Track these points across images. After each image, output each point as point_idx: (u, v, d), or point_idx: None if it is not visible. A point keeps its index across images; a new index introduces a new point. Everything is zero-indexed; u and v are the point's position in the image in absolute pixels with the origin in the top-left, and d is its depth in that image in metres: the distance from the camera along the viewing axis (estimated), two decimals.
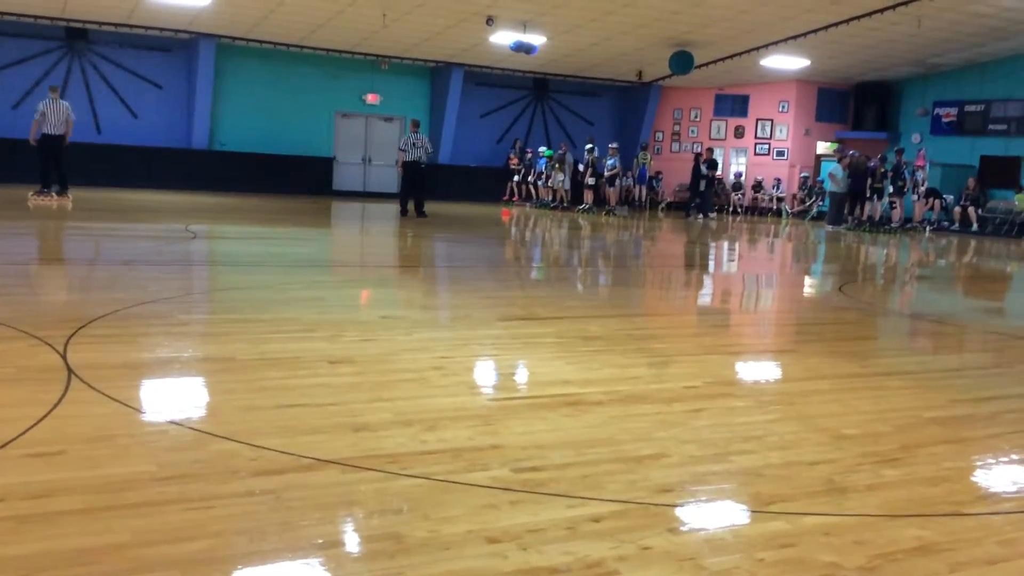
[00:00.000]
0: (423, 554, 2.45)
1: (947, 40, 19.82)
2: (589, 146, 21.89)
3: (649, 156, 24.38)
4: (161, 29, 20.47)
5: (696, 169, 22.33)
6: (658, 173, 25.60)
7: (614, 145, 22.14)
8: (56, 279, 7.76)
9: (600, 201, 22.09)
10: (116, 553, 2.37)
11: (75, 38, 20.61)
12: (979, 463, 3.65)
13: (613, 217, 20.34)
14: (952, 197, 22.13)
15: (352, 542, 2.57)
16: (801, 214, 24.10)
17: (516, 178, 23.96)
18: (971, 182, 21.58)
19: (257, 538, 2.50)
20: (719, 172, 23.89)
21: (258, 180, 21.88)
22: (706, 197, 22.52)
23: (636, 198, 24.43)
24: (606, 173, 21.86)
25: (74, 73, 20.89)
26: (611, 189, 21.86)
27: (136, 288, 6.90)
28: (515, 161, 24.02)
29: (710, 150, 23.19)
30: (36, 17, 19.47)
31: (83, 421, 3.46)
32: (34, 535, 2.45)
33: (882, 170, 20.42)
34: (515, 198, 24.02)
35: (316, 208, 18.68)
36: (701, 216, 22.00)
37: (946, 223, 21.96)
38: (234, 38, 21.07)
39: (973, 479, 3.44)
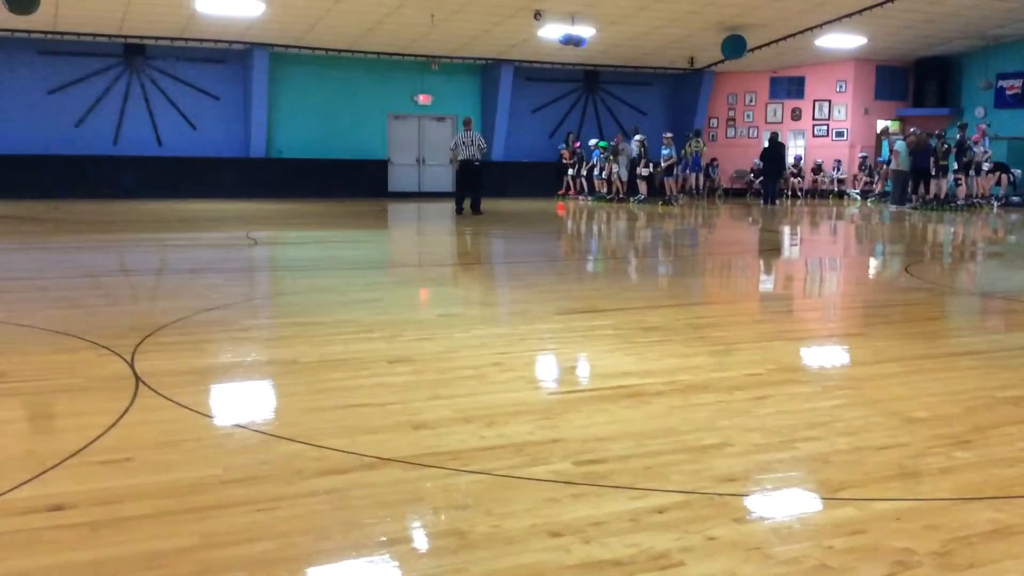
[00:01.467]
0: (486, 549, 2.45)
1: (1010, 10, 19.23)
2: (639, 136, 21.66)
3: (702, 143, 23.96)
4: (216, 41, 20.82)
5: (778, 152, 21.90)
6: (713, 160, 25.27)
7: (668, 135, 21.92)
8: (123, 289, 7.94)
9: (655, 191, 21.88)
10: (185, 556, 2.41)
11: (133, 54, 21.07)
12: None
13: (670, 207, 20.14)
14: (1020, 171, 21.47)
15: (416, 539, 2.58)
16: (863, 194, 23.58)
17: (571, 172, 23.86)
18: None
19: (322, 537, 2.53)
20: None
21: (315, 185, 22.15)
22: (774, 184, 22.15)
23: (692, 186, 24.07)
24: (662, 163, 21.66)
25: (133, 88, 21.37)
26: (668, 179, 21.64)
27: (200, 296, 7.03)
28: (567, 155, 23.92)
29: (776, 134, 22.70)
30: (95, 35, 19.94)
31: (151, 427, 3.53)
32: (106, 540, 2.50)
33: (944, 147, 19.92)
34: (571, 192, 23.93)
35: (373, 210, 18.85)
36: (767, 203, 21.64)
37: (1015, 198, 21.31)
38: (287, 46, 21.35)
39: None
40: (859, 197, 23.59)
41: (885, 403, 3.93)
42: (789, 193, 24.42)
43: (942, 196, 20.10)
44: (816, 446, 3.35)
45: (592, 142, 23.30)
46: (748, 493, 2.90)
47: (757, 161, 24.36)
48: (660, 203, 20.77)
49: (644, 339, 5.33)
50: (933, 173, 20.05)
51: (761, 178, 24.46)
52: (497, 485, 2.93)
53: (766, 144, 22.38)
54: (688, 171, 23.60)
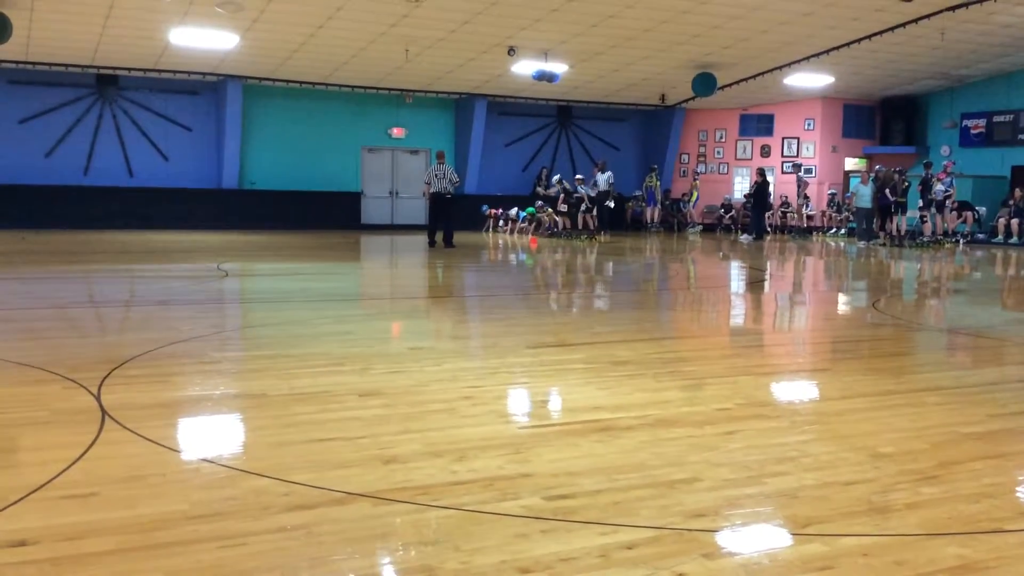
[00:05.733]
0: None
1: (972, 51, 19.66)
2: (579, 176, 21.89)
3: (656, 179, 24.43)
4: (189, 73, 20.80)
5: (762, 189, 22.15)
6: (684, 195, 25.56)
7: (579, 176, 22.05)
8: (91, 321, 7.86)
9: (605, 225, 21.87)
10: None
11: (105, 84, 20.98)
12: (1020, 478, 3.58)
13: (589, 241, 19.88)
14: (984, 209, 21.83)
15: (384, 575, 2.56)
16: (849, 231, 23.83)
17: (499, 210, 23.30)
18: (1018, 192, 21.06)
19: (288, 574, 2.50)
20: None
21: (288, 217, 22.09)
22: (761, 219, 22.33)
23: (650, 219, 24.60)
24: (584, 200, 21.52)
25: (105, 119, 21.27)
26: (584, 215, 21.41)
27: (169, 328, 6.97)
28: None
29: (762, 170, 22.92)
30: (67, 65, 19.86)
31: (116, 462, 3.48)
32: None
33: (905, 185, 20.28)
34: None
35: (345, 242, 18.81)
36: (748, 237, 21.78)
37: (980, 235, 21.65)
38: (260, 79, 21.36)
39: (1014, 495, 3.37)
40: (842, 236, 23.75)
41: (852, 438, 3.96)
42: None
43: (901, 232, 20.40)
44: (784, 481, 3.37)
45: (513, 211, 22.67)
46: (717, 528, 2.91)
47: (733, 196, 24.82)
48: (583, 237, 20.53)
49: (614, 373, 5.35)
50: (893, 210, 20.41)
51: (732, 212, 24.82)
52: (467, 520, 2.92)
53: (756, 179, 22.62)
54: (648, 205, 24.36)
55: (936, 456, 3.72)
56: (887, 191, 20.19)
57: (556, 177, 21.91)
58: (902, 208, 20.37)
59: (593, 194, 21.58)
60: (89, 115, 21.10)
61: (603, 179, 21.93)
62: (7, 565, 2.52)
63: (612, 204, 22.10)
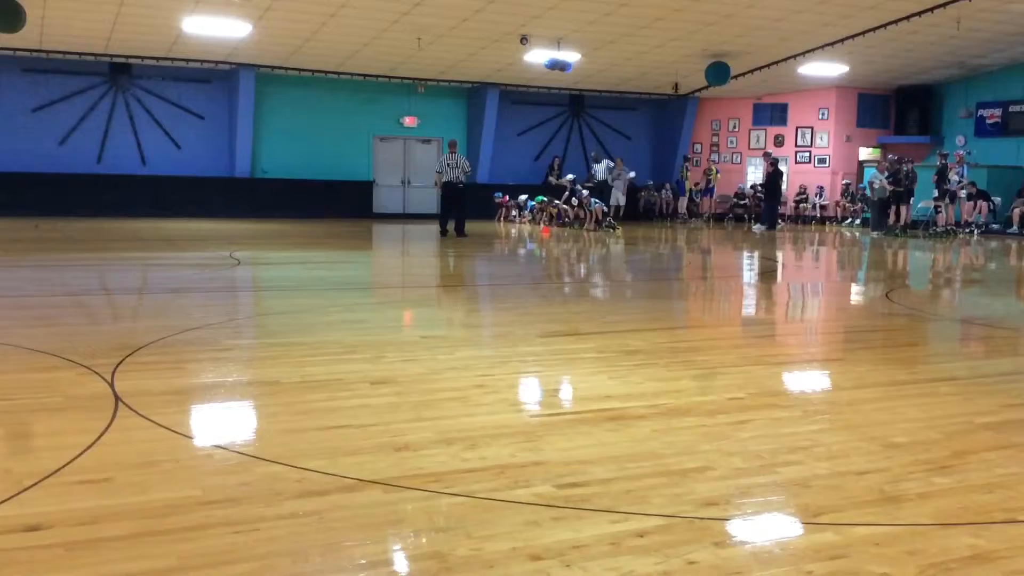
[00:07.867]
0: (466, 572, 2.44)
1: (988, 40, 19.50)
2: (571, 176, 21.87)
3: (687, 170, 24.53)
4: (202, 61, 20.84)
5: (774, 178, 22.01)
6: (696, 184, 25.48)
7: (572, 176, 22.03)
8: (104, 309, 7.90)
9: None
10: None
11: (119, 73, 21.05)
12: None
13: (605, 231, 19.81)
14: (1000, 199, 21.69)
15: (395, 561, 2.57)
16: (844, 220, 23.76)
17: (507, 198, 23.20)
18: None
19: (301, 560, 2.51)
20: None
21: (300, 205, 22.14)
22: (774, 208, 22.20)
23: (676, 210, 24.79)
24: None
25: (118, 107, 21.33)
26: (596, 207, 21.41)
27: (182, 315, 7.00)
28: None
29: (775, 160, 22.78)
30: (81, 54, 19.92)
31: (130, 447, 3.50)
32: (82, 561, 2.48)
33: (902, 173, 20.18)
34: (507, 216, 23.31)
35: (357, 231, 18.84)
36: (761, 227, 21.68)
37: (995, 226, 21.51)
38: (273, 67, 21.38)
39: None
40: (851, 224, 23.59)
41: (865, 428, 3.95)
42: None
43: (906, 222, 20.28)
44: (797, 470, 3.36)
45: (522, 198, 22.66)
46: (729, 517, 2.91)
47: (746, 186, 24.84)
48: (590, 228, 20.33)
49: (626, 362, 5.35)
50: (894, 200, 20.31)
51: (745, 202, 24.75)
52: (478, 508, 2.92)
53: (769, 169, 22.45)
54: (681, 195, 24.72)
55: (949, 446, 3.70)
56: (888, 180, 20.13)
57: (570, 176, 21.87)
58: (903, 198, 20.27)
59: (592, 185, 21.58)
60: (102, 103, 21.17)
61: (601, 169, 21.94)
62: (21, 549, 2.55)
63: (622, 193, 22.09)
